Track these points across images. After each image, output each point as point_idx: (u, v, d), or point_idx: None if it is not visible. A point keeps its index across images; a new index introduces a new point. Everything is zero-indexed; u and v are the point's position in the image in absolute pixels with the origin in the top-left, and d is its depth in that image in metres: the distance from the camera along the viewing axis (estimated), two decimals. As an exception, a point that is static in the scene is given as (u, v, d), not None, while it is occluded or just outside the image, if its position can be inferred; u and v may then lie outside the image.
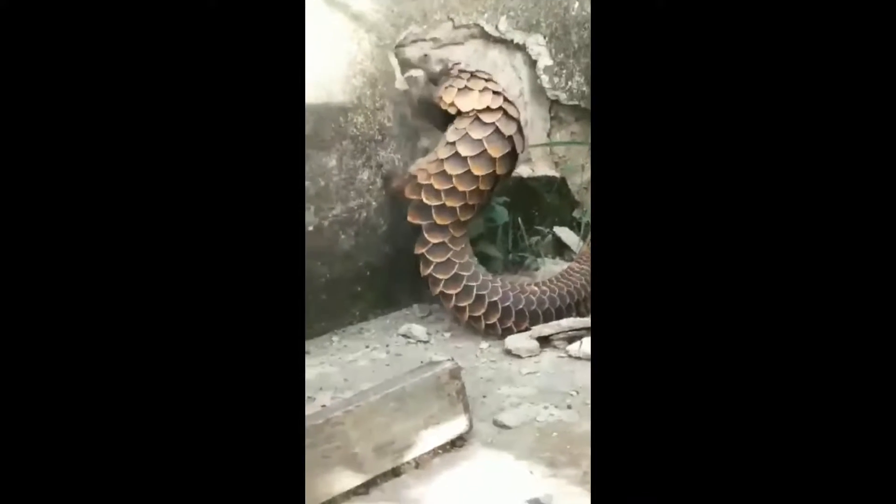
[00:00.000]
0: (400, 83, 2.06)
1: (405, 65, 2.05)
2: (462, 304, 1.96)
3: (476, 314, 1.96)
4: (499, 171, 1.94)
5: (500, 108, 1.93)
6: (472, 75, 1.96)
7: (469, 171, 1.91)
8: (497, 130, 1.92)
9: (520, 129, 1.97)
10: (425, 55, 2.02)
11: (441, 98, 1.95)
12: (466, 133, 1.91)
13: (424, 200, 1.93)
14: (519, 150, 1.97)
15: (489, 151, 1.91)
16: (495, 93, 1.95)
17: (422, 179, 1.93)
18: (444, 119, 1.98)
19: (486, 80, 1.96)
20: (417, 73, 2.07)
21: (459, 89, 1.93)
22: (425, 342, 1.97)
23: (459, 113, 1.94)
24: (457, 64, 2.00)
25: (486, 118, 1.92)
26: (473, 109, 1.92)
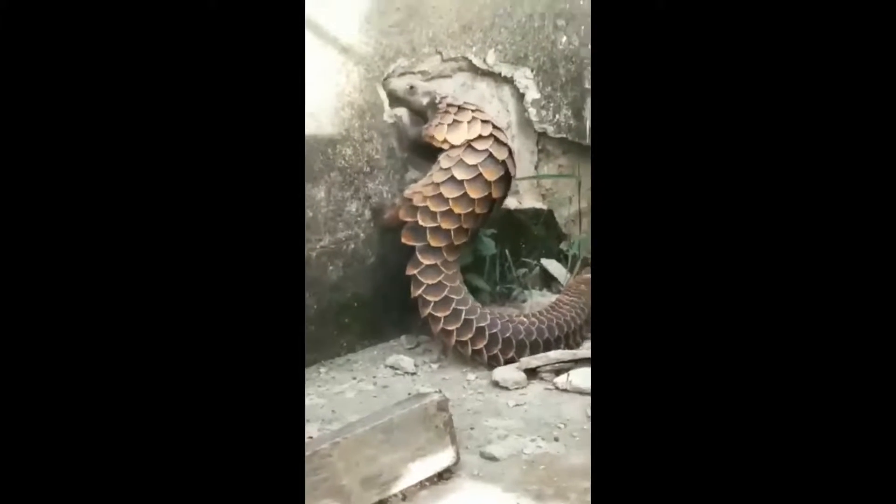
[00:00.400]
0: (388, 115, 2.07)
1: (392, 97, 2.07)
2: (450, 328, 1.96)
3: (463, 339, 1.96)
4: (494, 195, 1.97)
5: (491, 134, 1.97)
6: (460, 108, 1.99)
7: (465, 194, 1.94)
8: (490, 156, 1.96)
9: (511, 155, 2.00)
10: (411, 87, 2.05)
11: (433, 137, 1.99)
12: (461, 159, 1.95)
13: (420, 222, 1.94)
14: (512, 174, 2.00)
15: (484, 175, 1.95)
16: (484, 121, 1.98)
17: (417, 202, 1.95)
18: (436, 151, 2.00)
19: (474, 111, 1.99)
20: (401, 111, 2.09)
21: (448, 125, 1.96)
22: (413, 374, 1.96)
23: (452, 146, 1.96)
24: (444, 98, 2.02)
25: (479, 146, 1.96)
26: (465, 141, 1.94)
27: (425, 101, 2.04)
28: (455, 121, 1.97)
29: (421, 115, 2.06)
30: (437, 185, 1.94)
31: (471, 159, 1.95)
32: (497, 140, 1.97)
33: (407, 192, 1.98)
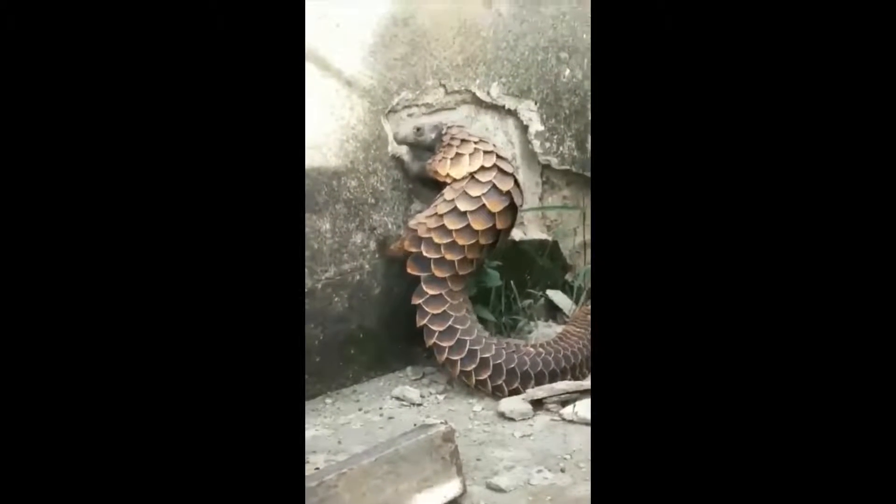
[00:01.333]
0: (392, 148, 2.09)
1: (404, 143, 2.08)
2: (454, 358, 1.96)
3: (467, 369, 1.96)
4: (499, 226, 1.97)
5: (494, 165, 1.97)
6: (463, 141, 2.00)
7: (469, 226, 1.94)
8: (494, 187, 1.96)
9: (517, 184, 2.00)
10: (418, 129, 2.05)
11: (436, 172, 2.00)
12: (464, 191, 1.95)
13: (424, 253, 1.95)
14: (518, 203, 2.00)
15: (488, 206, 1.95)
16: (487, 152, 1.98)
17: (421, 233, 1.95)
18: (441, 184, 2.01)
19: (477, 143, 2.00)
20: (401, 150, 2.10)
21: (451, 159, 1.97)
22: (418, 405, 1.96)
23: (455, 179, 1.98)
24: (450, 128, 2.03)
25: (482, 177, 1.96)
26: (468, 173, 1.95)
27: (433, 135, 2.05)
28: (458, 154, 1.98)
29: (431, 150, 2.07)
30: (441, 216, 1.95)
31: (474, 191, 1.95)
32: (501, 171, 1.98)
33: (411, 223, 1.99)
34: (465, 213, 1.94)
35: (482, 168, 1.96)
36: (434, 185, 2.06)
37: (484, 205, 1.95)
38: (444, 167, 1.98)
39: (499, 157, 2.00)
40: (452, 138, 2.01)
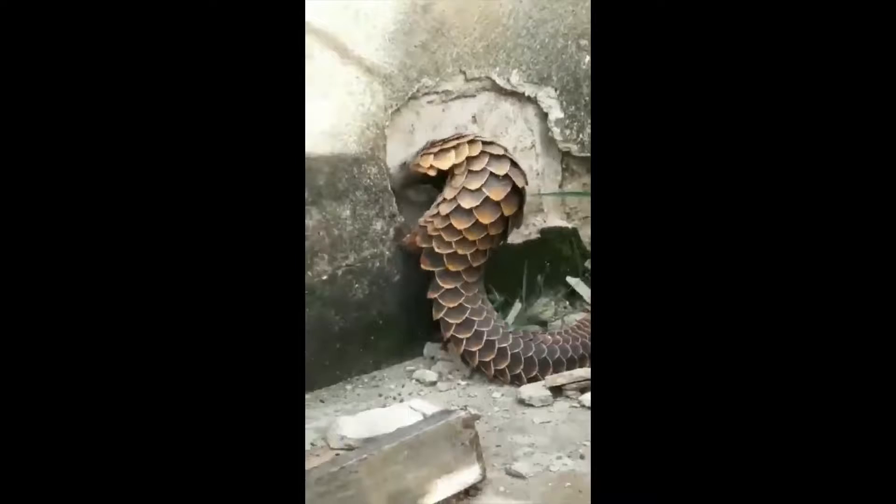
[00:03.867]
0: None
1: (403, 183, 2.09)
2: (472, 349, 1.97)
3: (486, 359, 1.97)
4: (506, 213, 1.95)
5: (482, 152, 1.95)
6: (444, 140, 1.98)
7: (477, 222, 1.93)
8: (491, 174, 1.93)
9: (514, 165, 1.98)
10: (404, 163, 2.05)
11: (419, 166, 1.97)
12: (463, 187, 1.93)
13: (436, 249, 1.95)
14: (520, 185, 1.98)
15: (491, 197, 1.93)
16: (471, 142, 1.96)
17: (431, 231, 1.95)
18: (429, 180, 2.01)
19: (459, 138, 1.98)
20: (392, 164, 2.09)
21: (434, 153, 1.95)
22: (438, 388, 1.97)
23: (441, 174, 1.96)
24: (429, 141, 2.03)
25: (475, 166, 1.93)
26: (453, 165, 1.94)
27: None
28: (441, 149, 1.95)
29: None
30: (447, 216, 1.93)
31: (473, 183, 1.92)
32: (492, 155, 1.95)
33: (421, 221, 1.98)
34: (470, 209, 1.92)
35: (469, 158, 1.94)
36: (422, 184, 2.06)
37: (487, 196, 1.92)
38: (426, 160, 1.95)
39: (485, 143, 1.97)
40: (433, 142, 2.00)
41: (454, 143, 1.96)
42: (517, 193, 1.98)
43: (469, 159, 1.94)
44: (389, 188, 2.08)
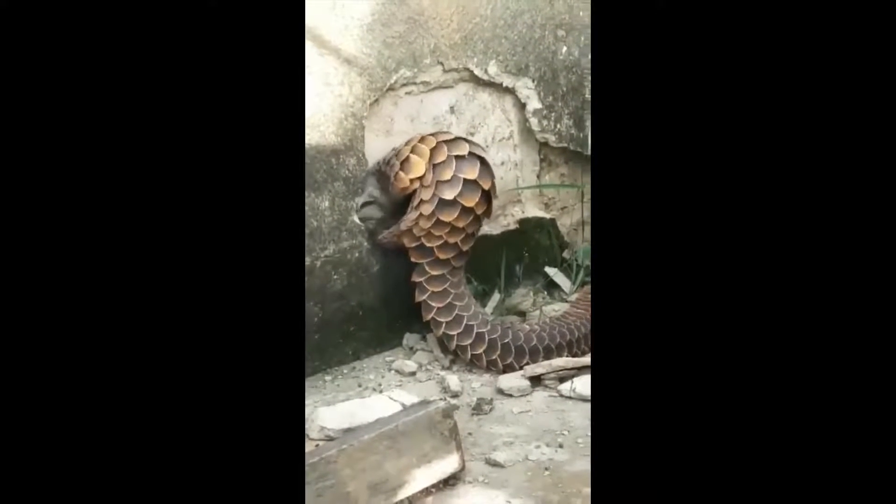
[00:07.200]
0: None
1: (371, 215, 2.08)
2: (451, 333, 1.98)
3: (463, 343, 1.98)
4: (485, 187, 1.96)
5: (440, 142, 1.94)
6: (397, 152, 1.98)
7: (463, 207, 1.93)
8: (457, 157, 1.93)
9: (471, 142, 1.99)
10: (379, 168, 2.03)
11: (399, 187, 1.96)
12: (435, 181, 1.93)
13: (426, 244, 1.96)
14: (486, 157, 1.98)
15: (467, 176, 1.93)
16: (422, 138, 1.96)
17: (417, 232, 1.95)
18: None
19: (407, 143, 1.97)
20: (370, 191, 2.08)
21: (401, 168, 1.94)
22: (417, 378, 1.98)
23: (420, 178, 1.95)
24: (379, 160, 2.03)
25: (438, 157, 1.93)
26: (426, 166, 1.93)
27: (374, 178, 2.04)
28: (403, 161, 1.94)
29: (385, 183, 2.03)
30: (433, 214, 1.92)
31: (443, 174, 1.92)
32: (447, 142, 1.95)
33: (403, 226, 1.96)
34: (454, 199, 1.92)
35: (432, 151, 1.93)
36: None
37: (462, 177, 1.92)
38: (401, 180, 1.94)
39: (432, 134, 1.97)
40: (388, 160, 1.99)
41: (409, 147, 1.95)
42: (486, 168, 1.98)
43: (432, 152, 1.93)
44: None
